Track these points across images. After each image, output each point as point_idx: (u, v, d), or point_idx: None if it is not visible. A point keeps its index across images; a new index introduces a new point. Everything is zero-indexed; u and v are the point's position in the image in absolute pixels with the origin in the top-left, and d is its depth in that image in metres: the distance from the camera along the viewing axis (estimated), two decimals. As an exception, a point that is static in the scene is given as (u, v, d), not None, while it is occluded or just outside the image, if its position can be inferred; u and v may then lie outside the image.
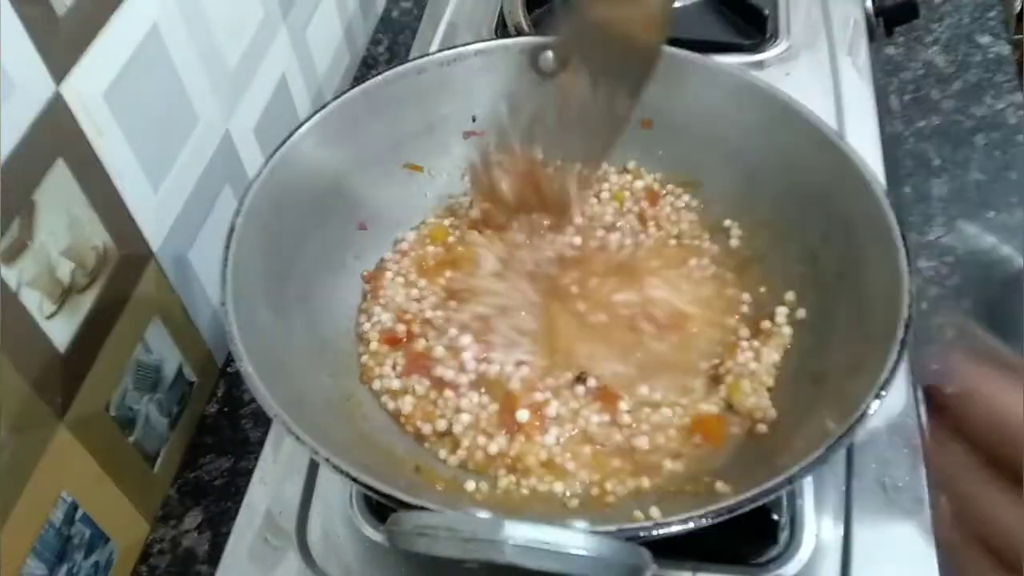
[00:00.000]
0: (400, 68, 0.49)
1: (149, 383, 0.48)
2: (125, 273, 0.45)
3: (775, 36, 0.65)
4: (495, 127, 0.50)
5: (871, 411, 0.35)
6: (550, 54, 0.50)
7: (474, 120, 0.51)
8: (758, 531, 0.40)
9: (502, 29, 0.66)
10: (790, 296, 0.46)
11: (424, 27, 0.69)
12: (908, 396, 0.45)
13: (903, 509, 0.41)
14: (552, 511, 0.39)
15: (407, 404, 0.43)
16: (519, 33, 0.52)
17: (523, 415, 0.42)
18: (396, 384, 0.44)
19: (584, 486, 0.40)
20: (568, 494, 0.40)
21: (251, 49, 0.56)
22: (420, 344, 0.45)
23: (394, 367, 0.45)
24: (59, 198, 0.40)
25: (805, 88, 0.56)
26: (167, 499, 0.50)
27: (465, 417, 0.42)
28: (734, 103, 0.48)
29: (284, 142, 0.45)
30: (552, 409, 0.42)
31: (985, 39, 0.72)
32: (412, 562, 0.41)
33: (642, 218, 0.51)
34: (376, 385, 0.44)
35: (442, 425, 0.42)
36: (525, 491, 0.40)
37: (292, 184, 0.45)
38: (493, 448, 0.41)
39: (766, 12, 0.65)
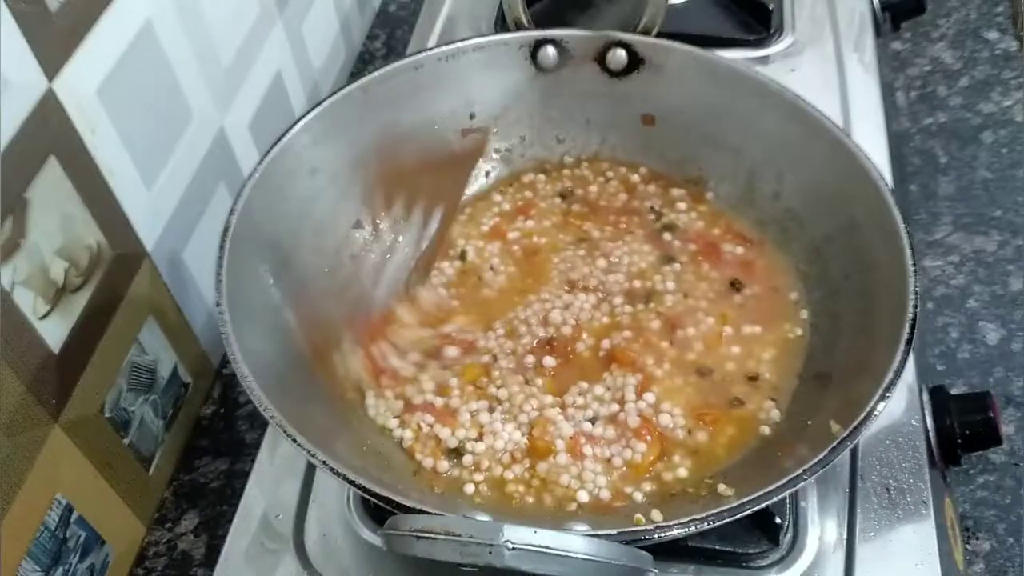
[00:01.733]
0: (397, 64, 0.48)
1: (144, 384, 0.47)
2: (119, 273, 0.44)
3: (780, 31, 0.64)
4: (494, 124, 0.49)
5: (876, 412, 0.35)
6: (551, 49, 0.49)
7: (473, 117, 0.51)
8: (761, 533, 0.40)
9: (501, 24, 0.65)
10: (794, 296, 0.45)
11: (422, 22, 0.68)
12: (913, 397, 0.45)
13: (907, 512, 0.41)
14: (552, 514, 0.39)
15: (408, 435, 0.42)
16: (519, 28, 0.51)
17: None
18: (399, 411, 0.42)
19: (592, 494, 0.40)
20: (569, 496, 0.40)
21: (246, 45, 0.55)
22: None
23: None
24: (52, 196, 0.39)
25: (810, 84, 0.56)
26: (163, 501, 0.50)
27: (480, 446, 0.41)
28: (738, 99, 0.47)
29: (279, 139, 0.44)
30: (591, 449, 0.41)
31: (992, 35, 0.72)
32: (410, 566, 0.40)
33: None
34: (371, 411, 0.43)
35: (443, 467, 0.41)
36: (530, 499, 0.40)
37: (288, 182, 0.45)
38: (512, 474, 0.40)
39: (771, 7, 0.64)
